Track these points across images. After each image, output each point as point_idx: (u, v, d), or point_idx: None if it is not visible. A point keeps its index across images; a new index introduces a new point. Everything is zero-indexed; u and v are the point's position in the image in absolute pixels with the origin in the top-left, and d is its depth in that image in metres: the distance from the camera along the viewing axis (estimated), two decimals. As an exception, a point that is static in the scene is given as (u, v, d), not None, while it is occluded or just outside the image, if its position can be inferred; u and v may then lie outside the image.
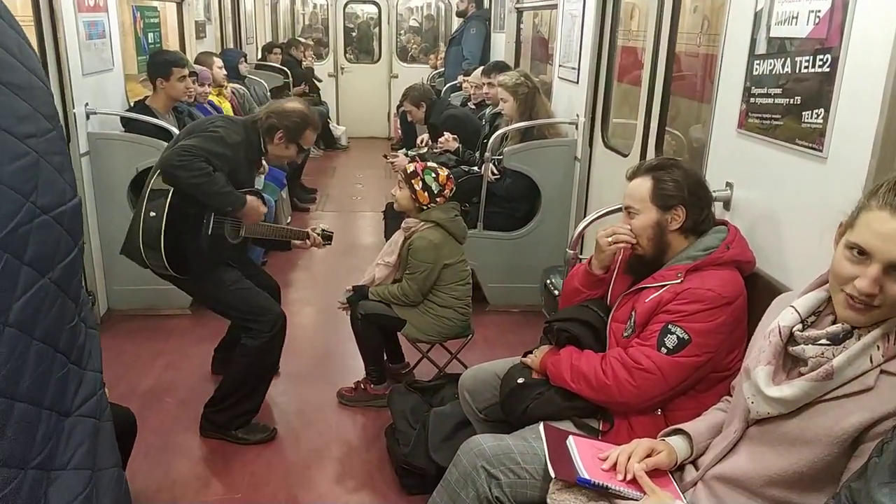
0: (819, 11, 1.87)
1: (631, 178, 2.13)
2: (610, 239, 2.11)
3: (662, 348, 1.89)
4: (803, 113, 1.94)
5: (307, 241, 3.11)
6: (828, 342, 1.41)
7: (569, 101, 4.45)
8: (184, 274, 2.83)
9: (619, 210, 2.23)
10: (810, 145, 1.92)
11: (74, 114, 3.72)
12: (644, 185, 2.06)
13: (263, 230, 3.05)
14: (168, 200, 2.69)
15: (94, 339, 0.95)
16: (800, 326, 1.49)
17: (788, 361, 1.51)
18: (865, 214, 1.34)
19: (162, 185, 2.70)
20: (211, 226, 2.83)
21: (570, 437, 1.76)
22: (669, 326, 1.90)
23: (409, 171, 3.15)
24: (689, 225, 2.04)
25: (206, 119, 3.25)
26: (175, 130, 3.95)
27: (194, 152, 2.60)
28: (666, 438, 1.74)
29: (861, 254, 1.33)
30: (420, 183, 3.10)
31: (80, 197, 0.87)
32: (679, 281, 1.94)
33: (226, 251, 2.93)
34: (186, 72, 4.13)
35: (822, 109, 1.86)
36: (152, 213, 2.70)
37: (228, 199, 2.71)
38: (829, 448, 1.38)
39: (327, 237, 3.18)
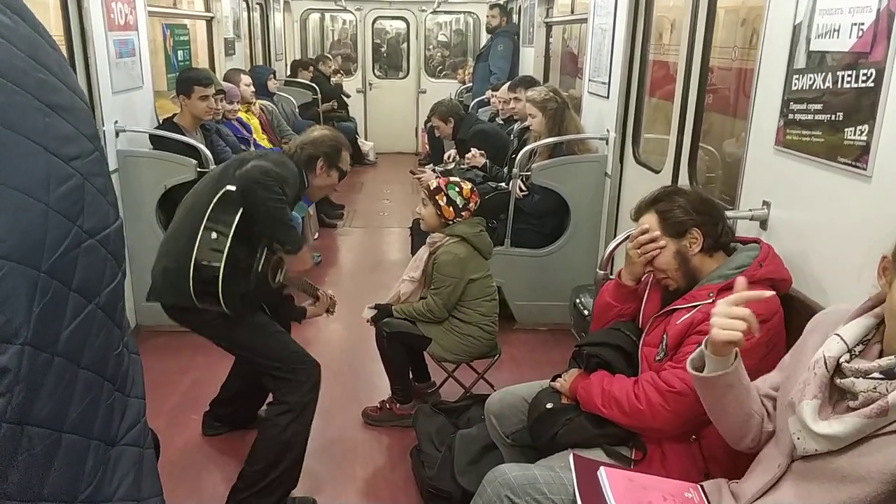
0: (862, 24, 1.80)
1: (636, 218, 2.10)
2: (639, 251, 2.05)
3: (696, 371, 1.82)
4: (845, 129, 1.87)
5: (318, 300, 2.92)
6: (881, 376, 1.32)
7: (599, 116, 4.39)
8: (232, 311, 2.41)
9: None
10: (853, 162, 1.84)
11: (104, 131, 3.75)
12: (651, 220, 2.04)
13: (296, 282, 2.86)
14: (235, 224, 2.33)
15: (136, 364, 0.93)
16: (847, 357, 1.41)
17: (835, 394, 1.42)
18: None
19: (226, 207, 2.36)
20: (261, 263, 2.48)
21: (602, 469, 1.69)
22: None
23: (432, 188, 3.12)
24: (710, 243, 1.99)
25: (260, 153, 3.02)
26: (203, 148, 3.96)
27: (273, 175, 2.37)
28: None
29: None
30: (444, 198, 3.08)
31: (122, 219, 0.86)
32: (711, 301, 1.87)
33: (267, 292, 2.61)
34: (210, 91, 4.10)
35: (865, 125, 1.79)
36: (213, 235, 2.32)
37: (293, 234, 2.48)
38: (882, 486, 1.29)
39: (333, 304, 2.97)
